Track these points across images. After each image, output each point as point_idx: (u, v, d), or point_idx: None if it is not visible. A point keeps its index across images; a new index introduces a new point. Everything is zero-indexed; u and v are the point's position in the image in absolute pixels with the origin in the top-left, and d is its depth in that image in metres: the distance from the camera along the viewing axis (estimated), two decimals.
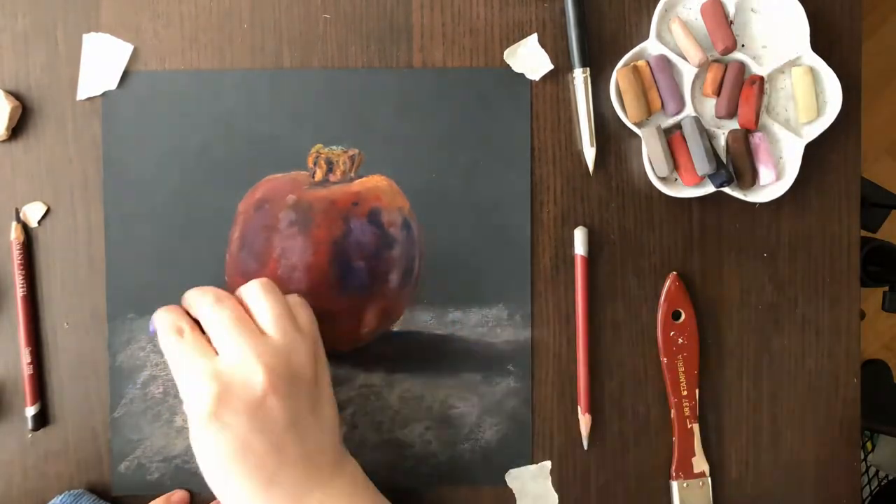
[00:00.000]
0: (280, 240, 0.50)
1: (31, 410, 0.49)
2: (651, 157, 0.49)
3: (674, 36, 0.50)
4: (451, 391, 0.50)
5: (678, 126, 0.50)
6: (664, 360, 0.51)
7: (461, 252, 0.50)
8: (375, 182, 0.50)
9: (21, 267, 0.49)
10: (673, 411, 0.51)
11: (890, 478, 1.09)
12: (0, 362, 0.49)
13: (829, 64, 0.50)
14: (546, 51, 0.51)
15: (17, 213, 0.49)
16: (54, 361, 0.49)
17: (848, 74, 0.51)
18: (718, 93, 0.50)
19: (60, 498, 0.48)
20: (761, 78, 0.49)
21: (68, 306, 0.49)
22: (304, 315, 0.44)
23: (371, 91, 0.50)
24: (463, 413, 0.50)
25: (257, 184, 0.50)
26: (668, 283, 0.51)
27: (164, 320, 0.42)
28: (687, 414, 0.51)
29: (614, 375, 0.51)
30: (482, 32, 0.51)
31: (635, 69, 0.49)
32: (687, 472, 0.51)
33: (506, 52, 0.50)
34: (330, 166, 0.50)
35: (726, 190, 0.50)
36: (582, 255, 0.50)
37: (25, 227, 0.49)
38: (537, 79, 0.51)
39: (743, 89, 0.49)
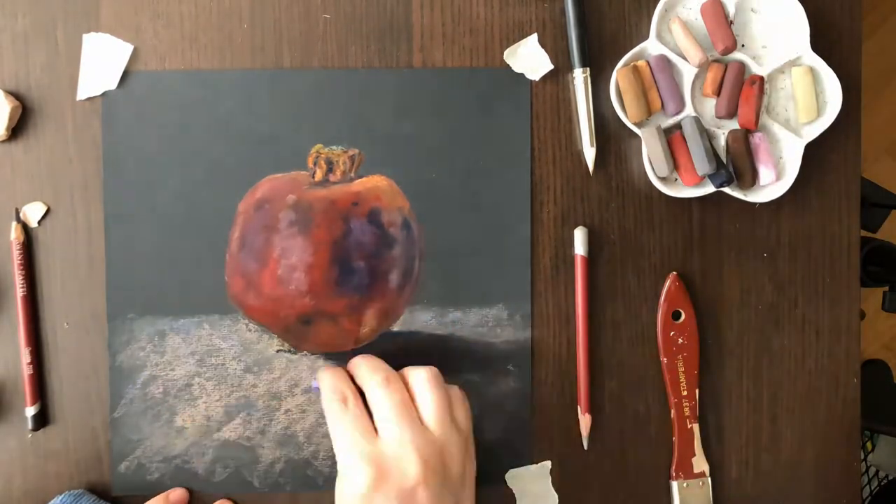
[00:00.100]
0: (280, 240, 0.50)
1: (31, 410, 0.49)
2: (651, 157, 0.49)
3: (674, 36, 0.50)
4: None
5: (678, 126, 0.50)
6: (664, 360, 0.51)
7: (461, 252, 0.50)
8: (375, 182, 0.50)
9: (21, 267, 0.49)
10: (673, 411, 0.51)
11: (890, 478, 1.09)
12: (0, 362, 0.49)
13: (829, 64, 0.50)
14: (546, 51, 0.51)
15: (17, 213, 0.49)
16: (54, 361, 0.49)
17: (848, 74, 0.51)
18: (718, 93, 0.50)
19: (60, 498, 0.48)
20: (761, 78, 0.49)
21: (68, 306, 0.49)
22: (462, 411, 0.45)
23: (371, 91, 0.50)
24: None
25: (257, 184, 0.50)
26: (668, 283, 0.51)
27: (329, 384, 0.45)
28: (687, 414, 0.51)
29: (614, 375, 0.51)
30: (482, 32, 0.51)
31: (635, 69, 0.49)
32: (687, 472, 0.51)
33: (506, 52, 0.50)
34: (330, 166, 0.50)
35: (726, 190, 0.50)
36: (582, 255, 0.50)
37: (25, 227, 0.49)
38: (537, 79, 0.51)
39: (743, 89, 0.49)
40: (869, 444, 1.14)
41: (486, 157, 0.50)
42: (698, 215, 0.52)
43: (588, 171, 0.51)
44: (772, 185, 0.50)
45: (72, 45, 0.49)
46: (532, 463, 0.51)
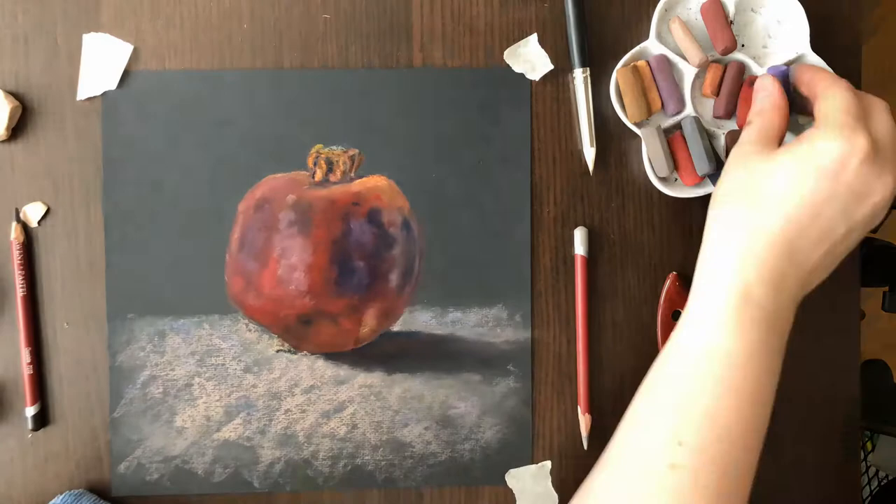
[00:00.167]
0: (280, 240, 0.50)
1: (31, 410, 0.49)
2: (651, 157, 0.49)
3: (674, 36, 0.50)
4: (450, 391, 0.50)
5: (678, 126, 0.50)
6: None
7: (461, 252, 0.50)
8: (375, 182, 0.50)
9: (21, 267, 0.49)
10: None
11: (890, 478, 1.09)
12: (0, 362, 0.49)
13: (830, 64, 0.50)
14: (546, 51, 0.51)
15: (17, 213, 0.49)
16: (54, 361, 0.49)
17: (848, 74, 0.51)
18: (717, 93, 0.49)
19: (60, 498, 0.48)
20: None
21: (68, 306, 0.49)
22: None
23: (371, 91, 0.50)
24: (463, 413, 0.50)
25: (257, 184, 0.50)
26: (668, 283, 0.51)
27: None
28: None
29: (614, 375, 0.51)
30: (482, 32, 0.51)
31: (635, 69, 0.49)
32: None
33: (506, 52, 0.50)
34: (330, 166, 0.50)
35: None
36: (582, 255, 0.50)
37: (25, 227, 0.49)
38: (537, 79, 0.51)
39: (742, 89, 0.49)
40: (869, 444, 1.14)
41: (486, 157, 0.50)
42: (698, 215, 0.51)
43: (588, 171, 0.51)
44: None
45: (72, 45, 0.49)
46: (532, 463, 0.51)
